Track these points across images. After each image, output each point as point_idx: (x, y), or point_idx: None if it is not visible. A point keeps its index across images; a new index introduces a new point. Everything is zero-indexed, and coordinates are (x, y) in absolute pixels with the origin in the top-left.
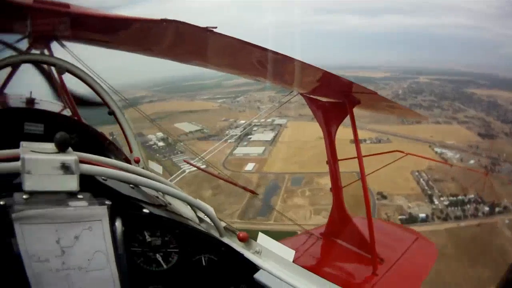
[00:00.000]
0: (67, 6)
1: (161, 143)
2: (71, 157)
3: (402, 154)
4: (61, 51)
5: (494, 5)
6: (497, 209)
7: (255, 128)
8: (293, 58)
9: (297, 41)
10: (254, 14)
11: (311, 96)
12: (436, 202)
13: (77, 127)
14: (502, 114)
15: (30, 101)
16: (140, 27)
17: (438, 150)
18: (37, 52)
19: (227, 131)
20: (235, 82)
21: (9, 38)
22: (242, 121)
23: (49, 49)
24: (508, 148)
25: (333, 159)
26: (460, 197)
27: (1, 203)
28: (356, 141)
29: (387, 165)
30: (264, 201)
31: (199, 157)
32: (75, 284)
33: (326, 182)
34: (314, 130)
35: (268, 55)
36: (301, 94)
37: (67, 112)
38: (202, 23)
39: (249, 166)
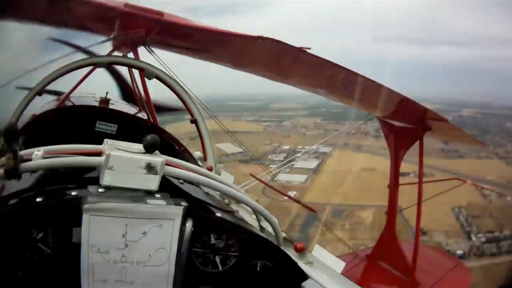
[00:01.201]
0: (161, 14)
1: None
2: (158, 158)
3: (460, 182)
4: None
5: None
6: None
7: (298, 155)
8: (379, 83)
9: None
10: (307, 39)
11: (387, 120)
12: (474, 239)
13: (153, 131)
14: None
15: (105, 101)
16: (234, 41)
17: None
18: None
19: (270, 156)
20: (282, 106)
21: (94, 38)
22: (286, 147)
23: (136, 53)
24: None
25: (395, 183)
26: (496, 234)
27: (73, 193)
28: (421, 167)
29: (445, 192)
30: (302, 232)
31: (268, 171)
32: (128, 277)
33: (367, 215)
34: (358, 160)
35: (356, 79)
36: (377, 117)
37: (143, 116)
38: None
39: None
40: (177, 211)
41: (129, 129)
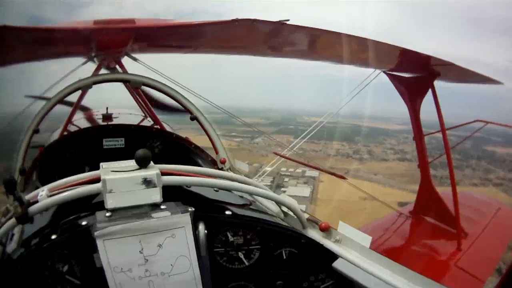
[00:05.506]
0: (132, 21)
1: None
2: (152, 171)
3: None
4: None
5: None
6: None
7: (286, 179)
8: (370, 39)
9: None
10: None
11: (393, 73)
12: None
13: (160, 136)
14: None
15: (107, 117)
16: (212, 30)
17: None
18: (107, 71)
19: (256, 179)
20: (246, 120)
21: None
22: (269, 168)
23: (121, 65)
24: None
25: (419, 134)
26: None
27: (84, 223)
28: (440, 115)
29: (470, 136)
30: None
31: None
32: None
33: None
34: (352, 187)
35: (347, 39)
36: (384, 72)
37: (148, 122)
38: None
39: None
40: (185, 218)
41: (136, 139)
